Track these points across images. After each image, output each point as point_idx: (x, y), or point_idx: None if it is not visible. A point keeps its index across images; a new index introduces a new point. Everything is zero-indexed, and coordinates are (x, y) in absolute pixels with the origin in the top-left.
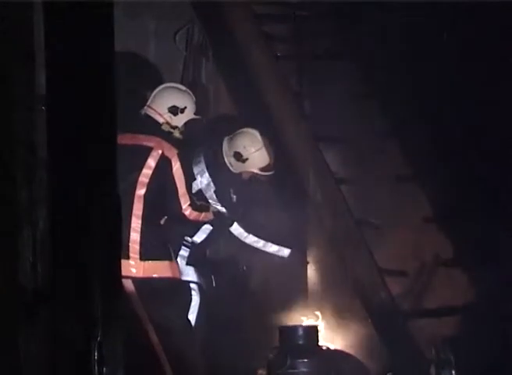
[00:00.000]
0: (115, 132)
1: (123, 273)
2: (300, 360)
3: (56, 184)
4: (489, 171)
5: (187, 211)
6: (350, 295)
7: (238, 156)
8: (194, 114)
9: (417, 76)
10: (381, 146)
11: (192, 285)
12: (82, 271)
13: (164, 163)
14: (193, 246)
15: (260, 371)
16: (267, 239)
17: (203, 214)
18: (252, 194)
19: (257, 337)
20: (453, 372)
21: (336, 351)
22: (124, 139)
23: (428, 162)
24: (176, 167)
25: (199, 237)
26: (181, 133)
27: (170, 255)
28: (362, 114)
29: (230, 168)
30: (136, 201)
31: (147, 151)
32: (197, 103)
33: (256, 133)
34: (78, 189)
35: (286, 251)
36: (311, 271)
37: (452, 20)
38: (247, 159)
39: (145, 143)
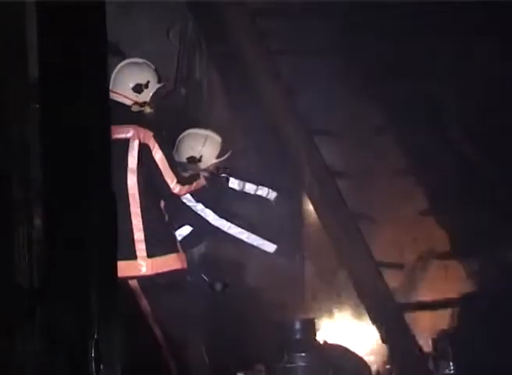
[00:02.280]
0: (109, 130)
1: (133, 273)
2: (298, 354)
3: (51, 183)
4: (485, 164)
5: (176, 189)
6: (347, 289)
7: (192, 159)
8: (158, 83)
9: (411, 71)
10: (376, 140)
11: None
12: (78, 269)
13: (145, 151)
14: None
15: (257, 366)
16: (253, 231)
17: (194, 184)
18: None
19: (254, 331)
20: (451, 364)
21: (333, 345)
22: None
23: (424, 155)
24: (155, 150)
25: (183, 232)
26: (151, 107)
27: (176, 247)
28: (357, 108)
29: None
30: (131, 199)
31: (126, 143)
32: (189, 98)
33: (194, 131)
34: (73, 187)
35: (271, 247)
36: (308, 265)
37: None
38: (201, 157)
39: (122, 135)
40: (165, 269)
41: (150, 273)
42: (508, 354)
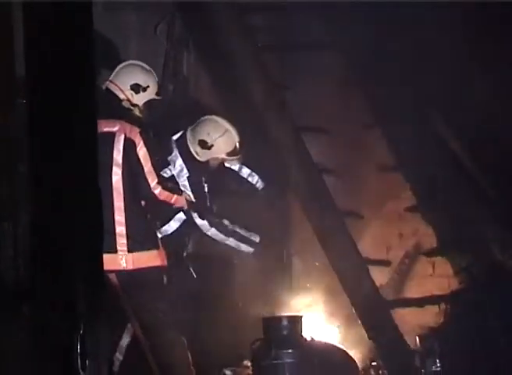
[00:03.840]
0: (95, 124)
1: (113, 267)
2: (285, 351)
3: (37, 179)
4: (472, 161)
5: (157, 189)
6: (335, 285)
7: (203, 144)
8: (156, 95)
9: (402, 66)
10: (364, 137)
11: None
12: (64, 265)
13: (129, 146)
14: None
15: (245, 362)
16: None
17: (174, 197)
18: (225, 185)
19: (241, 328)
20: (438, 361)
21: (320, 341)
22: (99, 126)
23: (411, 152)
24: (140, 146)
25: (170, 227)
26: (141, 112)
27: (157, 244)
28: (345, 105)
29: (197, 157)
30: (115, 193)
31: (112, 137)
32: (176, 93)
33: (219, 120)
34: (59, 183)
35: (247, 249)
36: (296, 262)
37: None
38: (212, 146)
39: (108, 129)
40: (145, 264)
41: (130, 267)
42: (494, 351)
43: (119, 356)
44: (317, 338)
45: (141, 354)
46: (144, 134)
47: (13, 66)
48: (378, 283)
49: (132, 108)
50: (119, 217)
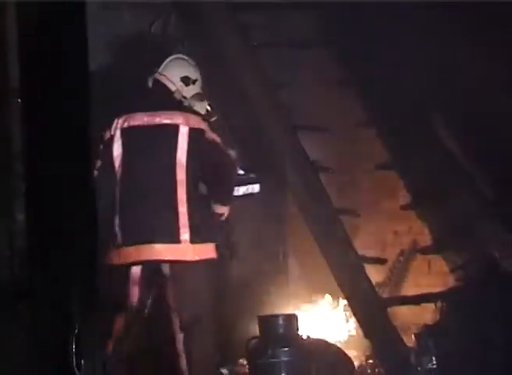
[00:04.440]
0: (88, 122)
1: (175, 257)
2: (281, 349)
3: (32, 178)
4: (467, 158)
5: (237, 164)
6: (330, 284)
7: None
8: (201, 89)
9: (395, 65)
10: (360, 135)
11: None
12: (60, 265)
13: (197, 136)
14: None
15: (240, 361)
16: None
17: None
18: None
19: (237, 327)
20: (433, 358)
21: (316, 339)
22: (146, 119)
23: (406, 150)
24: (208, 133)
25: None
26: (190, 105)
27: (216, 236)
28: (340, 102)
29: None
30: (178, 186)
31: (175, 128)
32: None
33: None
34: (54, 182)
35: (251, 189)
36: (292, 261)
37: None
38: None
39: (170, 120)
40: (204, 256)
41: (190, 258)
42: (490, 349)
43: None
44: (313, 336)
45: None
46: (205, 121)
47: (7, 65)
48: (374, 281)
49: (183, 100)
50: (182, 209)
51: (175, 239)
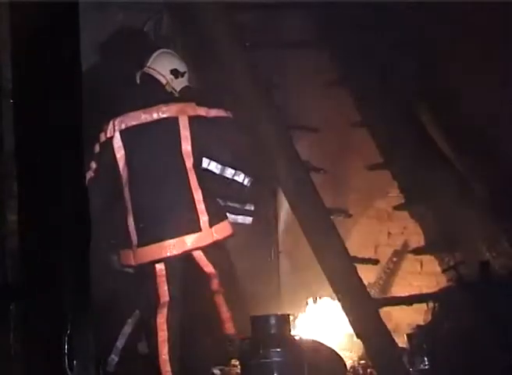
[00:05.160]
0: (81, 122)
1: (199, 245)
2: (273, 350)
3: (24, 178)
4: (459, 158)
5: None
6: (322, 284)
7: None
8: (188, 82)
9: (388, 65)
10: (353, 135)
11: None
12: (51, 265)
13: (197, 122)
14: None
15: (233, 361)
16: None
17: None
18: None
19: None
20: (426, 359)
21: (308, 340)
22: (143, 116)
23: (399, 150)
24: (209, 112)
25: None
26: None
27: (226, 214)
28: (334, 103)
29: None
30: (189, 174)
31: (175, 120)
32: None
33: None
34: (46, 181)
35: (244, 220)
36: (283, 260)
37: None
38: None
39: (169, 113)
40: (222, 235)
41: (210, 241)
42: (483, 349)
43: (114, 357)
44: (305, 337)
45: (138, 355)
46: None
47: (0, 66)
48: (366, 282)
49: (174, 92)
50: (198, 197)
51: (197, 228)
